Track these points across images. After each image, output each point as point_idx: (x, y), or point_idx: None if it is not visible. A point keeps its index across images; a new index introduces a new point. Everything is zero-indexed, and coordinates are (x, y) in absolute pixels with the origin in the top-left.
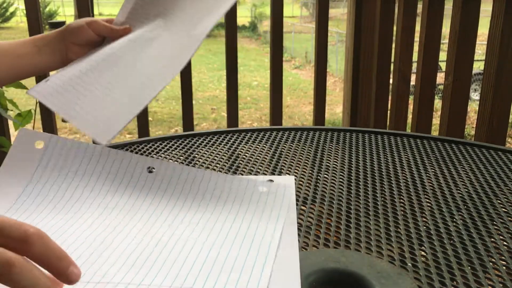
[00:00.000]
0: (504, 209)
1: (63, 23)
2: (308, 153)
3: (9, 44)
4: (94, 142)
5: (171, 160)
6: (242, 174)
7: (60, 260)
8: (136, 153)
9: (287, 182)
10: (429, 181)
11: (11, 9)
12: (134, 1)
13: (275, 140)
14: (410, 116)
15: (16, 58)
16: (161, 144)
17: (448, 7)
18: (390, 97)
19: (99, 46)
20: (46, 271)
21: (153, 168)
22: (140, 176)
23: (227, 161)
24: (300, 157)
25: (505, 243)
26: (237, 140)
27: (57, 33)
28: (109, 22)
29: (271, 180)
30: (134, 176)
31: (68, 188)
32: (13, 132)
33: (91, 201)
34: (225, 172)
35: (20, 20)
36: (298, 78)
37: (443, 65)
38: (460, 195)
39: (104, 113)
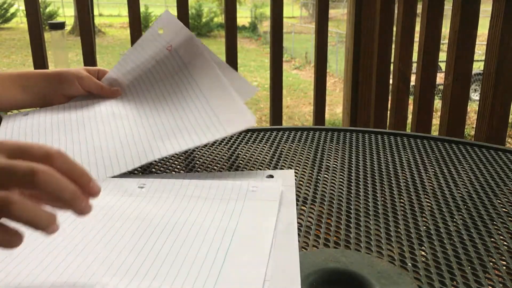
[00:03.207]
0: (504, 209)
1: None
2: (308, 153)
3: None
4: None
5: (164, 173)
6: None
7: (82, 175)
8: None
9: (287, 176)
10: (429, 181)
11: (11, 10)
12: (131, 65)
13: (275, 140)
14: (410, 116)
15: (1, 92)
16: None
17: (448, 7)
18: (390, 97)
19: (85, 98)
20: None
21: (144, 184)
22: (132, 191)
23: (227, 161)
24: (300, 157)
25: (505, 243)
26: (237, 140)
27: (45, 77)
28: (100, 74)
29: (271, 176)
30: (126, 192)
31: None
32: None
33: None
34: (226, 171)
35: (20, 21)
36: (298, 78)
37: (443, 65)
38: (460, 195)
39: None
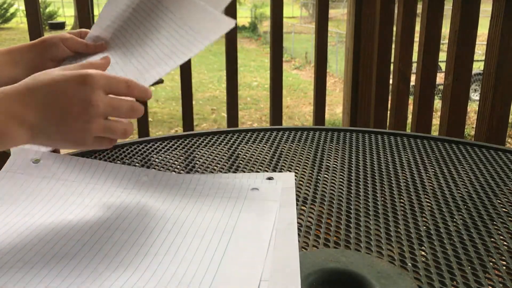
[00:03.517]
0: (504, 209)
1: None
2: (308, 153)
3: None
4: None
5: (166, 170)
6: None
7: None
8: (136, 153)
9: (287, 179)
10: (429, 181)
11: (11, 10)
12: (110, 19)
13: (275, 140)
14: (410, 116)
15: None
16: (161, 144)
17: (448, 7)
18: (390, 97)
19: (73, 60)
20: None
21: (146, 175)
22: (135, 181)
23: (227, 161)
24: (300, 157)
25: (505, 243)
26: (237, 140)
27: (31, 46)
28: (82, 34)
29: (271, 178)
30: (129, 182)
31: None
32: None
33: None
34: (225, 172)
35: (20, 21)
36: (298, 78)
37: (443, 65)
38: (460, 195)
39: None
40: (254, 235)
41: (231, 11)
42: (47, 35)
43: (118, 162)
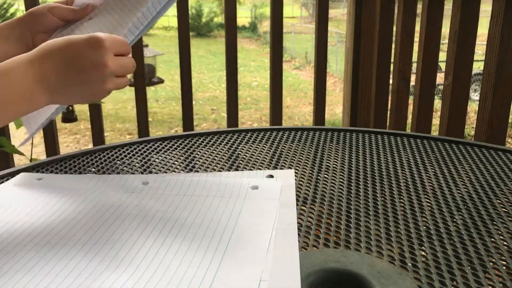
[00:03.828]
0: (504, 209)
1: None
2: (308, 153)
3: None
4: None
5: (166, 172)
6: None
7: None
8: (136, 153)
9: (287, 176)
10: (429, 181)
11: (11, 10)
12: None
13: (275, 140)
14: (410, 116)
15: None
16: (161, 144)
17: (448, 7)
18: (390, 97)
19: (63, 29)
20: None
21: (147, 182)
22: (135, 185)
23: (227, 161)
24: (300, 157)
25: (505, 243)
26: (237, 140)
27: (19, 20)
28: (69, 3)
29: (271, 175)
30: (130, 186)
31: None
32: (13, 132)
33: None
34: (226, 171)
35: None
36: (298, 78)
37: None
38: (460, 195)
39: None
40: (254, 235)
41: (231, 11)
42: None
43: (118, 162)
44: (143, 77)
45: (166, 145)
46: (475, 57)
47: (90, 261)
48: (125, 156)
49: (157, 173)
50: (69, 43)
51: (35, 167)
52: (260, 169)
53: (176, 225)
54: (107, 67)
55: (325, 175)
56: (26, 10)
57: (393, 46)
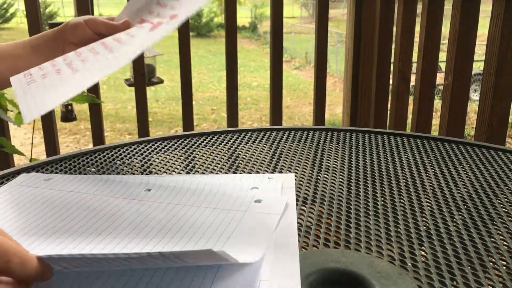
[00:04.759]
0: (504, 209)
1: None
2: (308, 153)
3: (6, 46)
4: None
5: (167, 172)
6: (242, 173)
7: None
8: (136, 153)
9: (287, 180)
10: (429, 181)
11: (11, 10)
12: (138, 1)
13: (275, 140)
14: (410, 116)
15: (13, 60)
16: (161, 144)
17: (448, 7)
18: (390, 97)
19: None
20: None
21: (150, 189)
22: (138, 194)
23: (227, 161)
24: (300, 157)
25: (505, 243)
26: (237, 140)
27: (55, 32)
28: (109, 20)
29: (271, 178)
30: (132, 195)
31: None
32: (13, 132)
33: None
34: (225, 172)
35: (20, 21)
36: (298, 78)
37: (443, 65)
38: (460, 195)
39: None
40: (252, 240)
41: (231, 11)
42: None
43: (118, 162)
44: (143, 77)
45: (166, 145)
46: (475, 57)
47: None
48: (125, 156)
49: (157, 173)
50: None
51: (35, 167)
52: (260, 169)
53: (170, 232)
54: None
55: (325, 175)
56: (26, 10)
57: (393, 46)
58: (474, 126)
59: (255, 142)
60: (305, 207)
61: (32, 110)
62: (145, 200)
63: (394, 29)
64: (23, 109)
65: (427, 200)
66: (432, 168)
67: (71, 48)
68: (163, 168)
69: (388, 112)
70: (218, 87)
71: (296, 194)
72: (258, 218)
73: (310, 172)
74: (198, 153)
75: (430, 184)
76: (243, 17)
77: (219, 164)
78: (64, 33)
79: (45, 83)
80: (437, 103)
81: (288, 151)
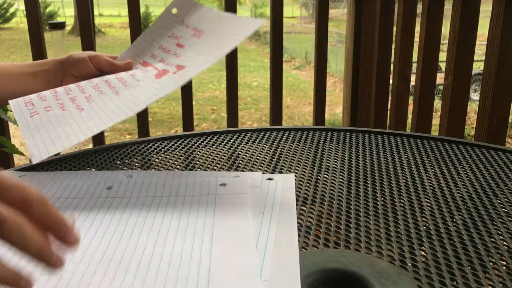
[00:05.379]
0: (504, 209)
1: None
2: (308, 153)
3: (11, 66)
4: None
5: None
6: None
7: (59, 224)
8: (136, 153)
9: (287, 180)
10: (429, 181)
11: (11, 10)
12: (142, 43)
13: (275, 140)
14: (410, 116)
15: (9, 80)
16: (161, 144)
17: (448, 7)
18: (390, 97)
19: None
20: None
21: (111, 186)
22: (100, 193)
23: (227, 161)
24: (300, 157)
25: (505, 243)
26: (237, 140)
27: (57, 62)
28: (112, 59)
29: (271, 179)
30: (94, 194)
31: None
32: (13, 132)
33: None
34: (226, 171)
35: (20, 21)
36: (298, 78)
37: (443, 65)
38: (460, 195)
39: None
40: (235, 228)
41: (231, 10)
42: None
43: (118, 161)
44: None
45: (166, 145)
46: (475, 57)
47: (77, 265)
48: (125, 156)
49: (157, 171)
50: None
51: (35, 167)
52: (260, 169)
53: (153, 229)
54: None
55: (325, 175)
56: (26, 10)
57: (393, 46)
58: (474, 126)
59: (255, 142)
60: (305, 207)
61: (41, 151)
62: (109, 198)
63: (394, 29)
64: (31, 148)
65: (427, 200)
66: (432, 168)
67: (71, 79)
68: (163, 168)
69: (388, 112)
70: (218, 87)
71: (296, 194)
72: (229, 198)
73: (310, 172)
74: (198, 153)
75: (430, 184)
76: None
77: (219, 164)
78: (66, 66)
79: (50, 118)
80: (437, 103)
81: (288, 151)
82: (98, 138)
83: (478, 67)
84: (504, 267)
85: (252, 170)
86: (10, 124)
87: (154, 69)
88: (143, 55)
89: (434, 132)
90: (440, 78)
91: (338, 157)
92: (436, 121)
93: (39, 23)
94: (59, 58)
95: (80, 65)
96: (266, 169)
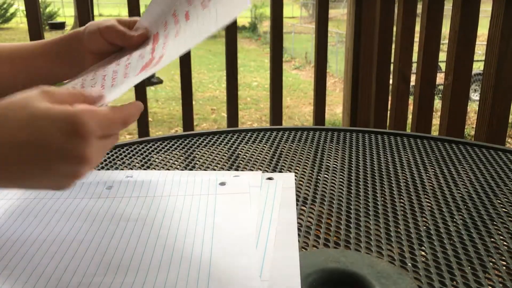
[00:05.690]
0: (504, 209)
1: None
2: (308, 153)
3: (13, 46)
4: None
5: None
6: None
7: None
8: (136, 153)
9: (287, 180)
10: (429, 181)
11: (11, 10)
12: (161, 6)
13: (275, 140)
14: (410, 116)
15: (25, 62)
16: (161, 144)
17: (448, 7)
18: (390, 97)
19: (117, 53)
20: None
21: (111, 186)
22: (100, 193)
23: (227, 161)
24: (300, 157)
25: (505, 243)
26: (237, 140)
27: (72, 37)
28: (131, 24)
29: (271, 178)
30: (94, 194)
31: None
32: None
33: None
34: (226, 171)
35: (20, 21)
36: (298, 78)
37: (443, 65)
38: (460, 195)
39: None
40: (236, 227)
41: None
42: (72, 30)
43: (118, 162)
44: None
45: (166, 145)
46: (475, 57)
47: (78, 265)
48: (125, 156)
49: (156, 170)
50: (34, 116)
51: None
52: (260, 169)
53: (153, 228)
54: (85, 162)
55: (325, 175)
56: (26, 10)
57: (393, 46)
58: (474, 126)
59: (255, 142)
60: (305, 207)
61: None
62: (109, 198)
63: (394, 29)
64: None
65: (427, 200)
66: (432, 168)
67: (90, 57)
68: (163, 168)
69: (388, 112)
70: (218, 87)
71: (296, 194)
72: (229, 199)
73: (310, 172)
74: (198, 153)
75: (430, 184)
76: (243, 17)
77: (219, 164)
78: (82, 41)
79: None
80: (437, 103)
81: (288, 151)
82: None
83: (478, 67)
84: (504, 267)
85: (252, 170)
86: None
87: (149, 56)
88: (159, 22)
89: (434, 132)
90: (440, 78)
91: (338, 157)
92: (436, 121)
93: (39, 23)
94: (71, 33)
95: (90, 41)
96: (266, 169)
